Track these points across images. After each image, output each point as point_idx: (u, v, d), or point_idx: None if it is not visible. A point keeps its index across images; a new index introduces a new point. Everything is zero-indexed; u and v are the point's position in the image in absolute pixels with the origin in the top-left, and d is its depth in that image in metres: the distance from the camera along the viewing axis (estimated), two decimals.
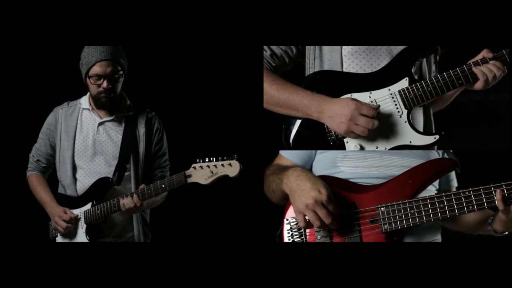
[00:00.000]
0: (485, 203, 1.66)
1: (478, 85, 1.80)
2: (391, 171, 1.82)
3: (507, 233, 1.79)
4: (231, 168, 2.01)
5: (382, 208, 1.75)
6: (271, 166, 1.98)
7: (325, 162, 1.90)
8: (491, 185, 1.66)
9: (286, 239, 1.83)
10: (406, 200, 1.73)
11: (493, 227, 1.79)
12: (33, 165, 2.48)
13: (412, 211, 1.72)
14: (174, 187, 2.12)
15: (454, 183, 2.05)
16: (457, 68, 1.81)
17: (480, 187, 1.67)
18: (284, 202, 1.86)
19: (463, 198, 1.68)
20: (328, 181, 1.77)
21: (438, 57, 1.96)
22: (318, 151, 1.94)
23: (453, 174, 2.03)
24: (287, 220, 1.84)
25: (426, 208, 1.71)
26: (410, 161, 1.83)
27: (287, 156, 1.98)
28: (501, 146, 2.61)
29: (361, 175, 1.84)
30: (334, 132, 1.84)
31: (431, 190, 1.87)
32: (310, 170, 1.97)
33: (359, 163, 1.85)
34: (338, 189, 1.79)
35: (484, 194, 1.66)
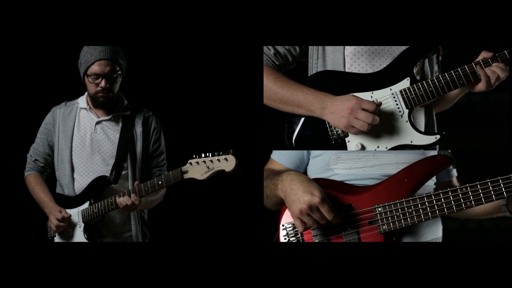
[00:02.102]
0: (482, 199, 1.65)
1: (480, 87, 1.80)
2: (386, 169, 1.82)
3: None
4: (227, 162, 2.01)
5: (380, 209, 1.74)
6: (264, 171, 1.97)
7: (319, 165, 1.90)
8: (488, 180, 1.66)
9: None
10: (403, 199, 1.73)
11: (509, 209, 1.79)
12: (31, 165, 2.47)
13: (410, 210, 1.71)
14: (170, 183, 2.12)
15: (454, 173, 2.05)
16: (458, 68, 1.81)
17: (477, 182, 1.66)
18: (279, 207, 1.86)
19: (460, 195, 1.67)
20: (323, 183, 1.77)
21: (440, 58, 1.97)
22: (311, 155, 1.94)
23: None
24: (283, 225, 1.83)
25: (424, 207, 1.70)
26: (405, 157, 1.83)
27: (279, 160, 1.98)
28: (501, 146, 2.63)
29: (356, 176, 1.84)
30: (336, 131, 1.84)
31: (429, 183, 1.87)
32: (304, 174, 1.97)
33: (352, 164, 1.84)
34: (333, 192, 1.78)
35: (481, 190, 1.65)
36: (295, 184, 1.71)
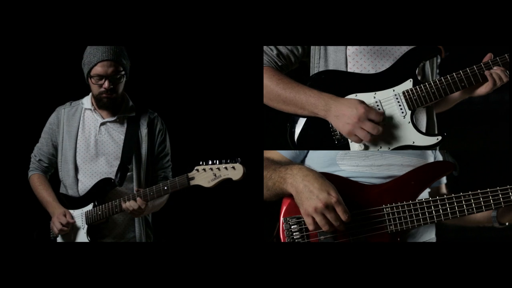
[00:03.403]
0: (483, 207, 1.71)
1: (483, 91, 1.83)
2: (392, 170, 1.83)
3: (507, 224, 1.86)
4: (235, 171, 2.00)
5: (388, 209, 1.75)
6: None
7: (323, 159, 1.88)
8: (488, 190, 1.71)
9: (286, 240, 1.79)
10: (411, 202, 1.74)
11: (499, 220, 1.84)
12: (35, 165, 2.47)
13: (417, 212, 1.73)
14: (176, 189, 2.11)
15: (444, 180, 2.07)
16: (460, 71, 1.82)
17: (479, 191, 1.72)
18: (276, 198, 1.82)
19: (463, 202, 1.72)
20: (330, 179, 1.74)
21: (441, 59, 1.97)
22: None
23: None
24: (286, 219, 1.79)
25: (429, 210, 1.73)
26: (410, 159, 1.85)
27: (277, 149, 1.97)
28: (501, 146, 2.64)
29: (362, 174, 1.83)
30: (339, 131, 1.85)
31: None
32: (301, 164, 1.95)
33: (360, 162, 1.84)
34: (341, 188, 1.74)
35: (482, 198, 1.71)
36: (309, 180, 1.67)
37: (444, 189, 2.06)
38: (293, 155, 1.94)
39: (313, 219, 1.66)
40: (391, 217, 1.74)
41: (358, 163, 1.84)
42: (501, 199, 1.70)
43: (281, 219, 1.80)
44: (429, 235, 1.87)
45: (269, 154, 1.95)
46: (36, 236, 2.40)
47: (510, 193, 1.70)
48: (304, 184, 1.67)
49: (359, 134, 1.76)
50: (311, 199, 1.65)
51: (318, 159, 1.90)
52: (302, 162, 1.95)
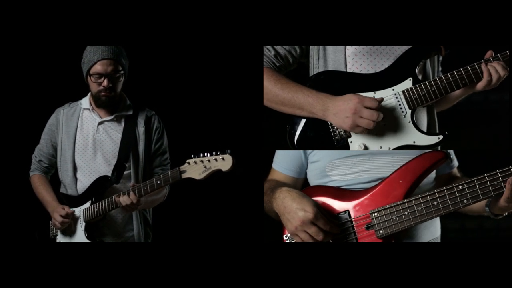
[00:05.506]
0: (480, 195, 1.63)
1: (480, 85, 1.80)
2: (381, 173, 1.80)
3: (506, 214, 1.76)
4: (224, 162, 2.01)
5: (376, 214, 1.73)
6: (266, 183, 1.98)
7: (317, 171, 1.90)
8: (485, 175, 1.64)
9: None
10: (399, 202, 1.71)
11: (492, 211, 1.76)
12: (36, 166, 2.49)
13: (406, 212, 1.70)
14: (169, 182, 2.13)
15: (455, 163, 2.03)
16: (461, 69, 1.81)
17: (474, 178, 1.65)
18: (279, 219, 1.84)
19: (457, 193, 1.65)
20: (320, 190, 1.78)
21: (441, 58, 1.97)
22: (309, 160, 1.94)
23: (452, 154, 2.02)
24: (286, 236, 1.83)
25: (419, 208, 1.68)
26: (401, 158, 1.81)
27: (279, 169, 1.99)
28: (501, 146, 2.63)
29: (352, 182, 1.83)
30: (339, 132, 1.83)
31: (430, 176, 1.84)
32: (305, 179, 1.99)
33: (348, 170, 1.84)
34: (330, 198, 1.78)
35: (478, 186, 1.64)
36: (287, 202, 1.73)
37: (457, 173, 2.02)
38: (295, 173, 1.97)
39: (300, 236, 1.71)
40: (380, 221, 1.73)
41: (346, 172, 1.84)
42: (502, 183, 1.61)
43: (284, 237, 1.85)
44: (432, 235, 1.85)
45: (274, 175, 2.00)
46: (38, 236, 2.41)
47: (501, 178, 1.61)
48: (283, 207, 1.74)
49: (361, 123, 1.74)
50: (291, 219, 1.70)
51: (314, 170, 1.92)
52: (306, 175, 1.99)
